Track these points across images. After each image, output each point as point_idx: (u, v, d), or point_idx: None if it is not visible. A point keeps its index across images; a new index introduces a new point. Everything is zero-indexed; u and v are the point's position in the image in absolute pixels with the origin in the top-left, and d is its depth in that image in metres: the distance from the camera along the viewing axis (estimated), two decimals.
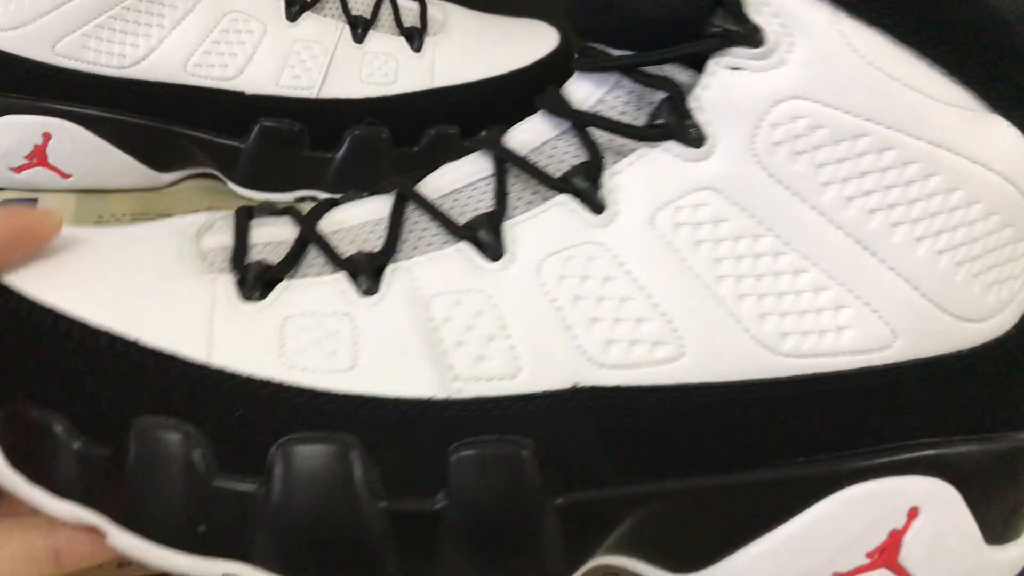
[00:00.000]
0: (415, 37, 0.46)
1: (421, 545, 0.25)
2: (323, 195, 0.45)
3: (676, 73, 0.27)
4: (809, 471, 0.26)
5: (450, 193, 0.28)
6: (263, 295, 0.26)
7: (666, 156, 0.26)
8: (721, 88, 0.25)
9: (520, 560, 0.25)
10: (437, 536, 0.24)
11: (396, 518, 0.24)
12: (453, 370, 0.25)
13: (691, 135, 0.26)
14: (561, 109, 0.28)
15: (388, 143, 0.44)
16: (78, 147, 0.44)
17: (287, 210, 0.30)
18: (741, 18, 0.25)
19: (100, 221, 0.43)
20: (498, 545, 0.25)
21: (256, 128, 0.44)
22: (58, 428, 0.24)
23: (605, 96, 0.28)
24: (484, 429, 0.24)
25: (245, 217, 0.29)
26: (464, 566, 0.25)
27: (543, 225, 0.26)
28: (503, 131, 0.30)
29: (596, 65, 0.28)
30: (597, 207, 0.26)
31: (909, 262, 0.26)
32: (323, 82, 0.44)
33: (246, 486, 0.24)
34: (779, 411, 0.26)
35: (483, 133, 0.29)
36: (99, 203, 0.45)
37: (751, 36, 0.25)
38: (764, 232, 0.26)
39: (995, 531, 0.28)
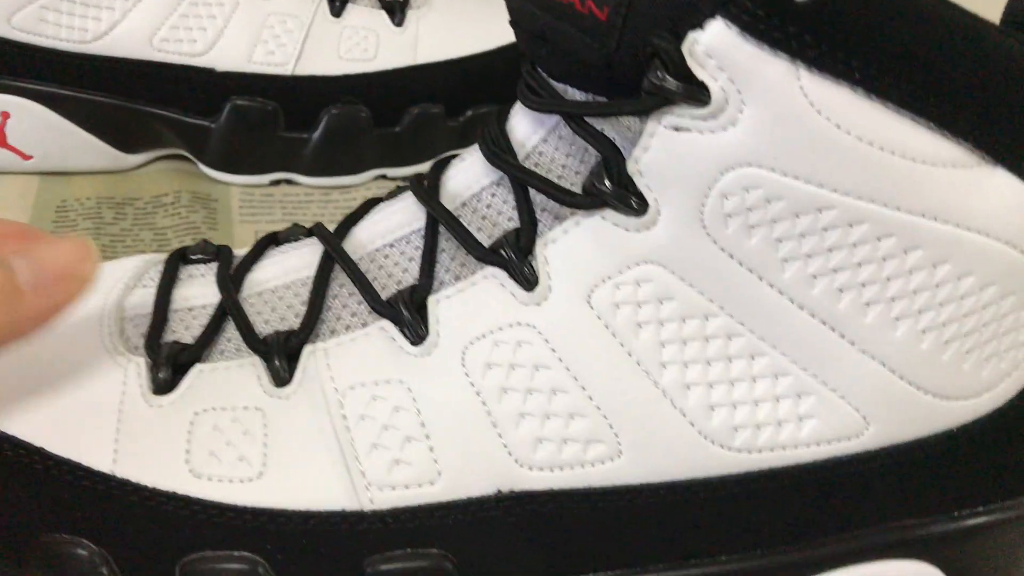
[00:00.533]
0: (397, 10, 0.43)
1: None
2: (299, 178, 0.42)
3: (621, 119, 0.23)
4: (767, 562, 0.24)
5: (380, 249, 0.26)
6: (175, 382, 0.24)
7: (604, 224, 0.23)
8: (663, 151, 0.22)
9: None
10: None
11: None
12: (366, 477, 0.23)
13: (631, 204, 0.22)
14: (499, 159, 0.25)
15: (368, 123, 0.41)
16: (39, 127, 0.41)
17: (219, 251, 0.28)
18: (682, 73, 0.21)
19: (63, 205, 0.41)
20: None
21: (227, 107, 0.41)
22: None
23: (548, 136, 0.25)
24: (400, 542, 0.23)
25: (173, 269, 0.27)
26: None
27: (470, 302, 0.24)
28: (443, 169, 0.27)
29: (534, 105, 0.25)
30: (529, 282, 0.23)
31: (885, 344, 0.22)
32: (298, 58, 0.41)
33: None
34: (730, 508, 0.23)
35: (417, 180, 0.26)
36: (62, 186, 0.42)
37: (694, 94, 0.21)
38: (715, 311, 0.23)
39: None
